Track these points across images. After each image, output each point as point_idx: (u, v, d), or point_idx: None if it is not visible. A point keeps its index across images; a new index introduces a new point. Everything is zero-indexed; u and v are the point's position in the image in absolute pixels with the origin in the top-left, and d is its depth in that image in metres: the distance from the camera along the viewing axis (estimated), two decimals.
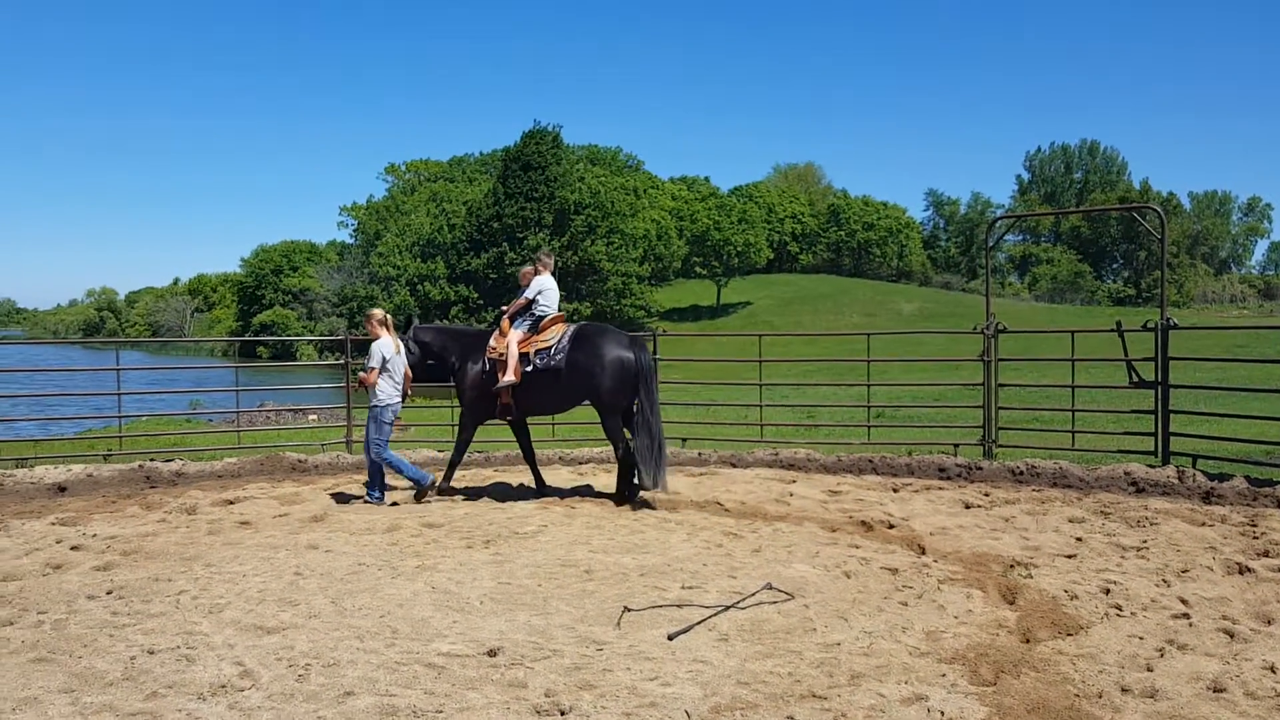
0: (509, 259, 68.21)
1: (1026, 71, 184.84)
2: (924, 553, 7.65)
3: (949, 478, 11.17)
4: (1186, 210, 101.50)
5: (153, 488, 10.92)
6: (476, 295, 68.92)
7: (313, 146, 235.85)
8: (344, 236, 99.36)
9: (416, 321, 10.85)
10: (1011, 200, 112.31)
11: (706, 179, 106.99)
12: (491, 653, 5.12)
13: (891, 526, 8.54)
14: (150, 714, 4.31)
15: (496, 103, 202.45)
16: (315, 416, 21.14)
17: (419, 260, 72.05)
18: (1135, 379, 11.41)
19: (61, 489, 10.72)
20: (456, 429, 10.73)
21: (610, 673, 4.82)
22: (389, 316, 10.07)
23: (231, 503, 9.91)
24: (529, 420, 10.74)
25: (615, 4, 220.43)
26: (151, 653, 5.13)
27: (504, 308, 10.67)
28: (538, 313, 10.31)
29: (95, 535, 8.20)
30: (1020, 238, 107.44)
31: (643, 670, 4.86)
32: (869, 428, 13.82)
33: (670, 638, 5.35)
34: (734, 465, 12.03)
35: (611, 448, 10.33)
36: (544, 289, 10.36)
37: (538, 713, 4.35)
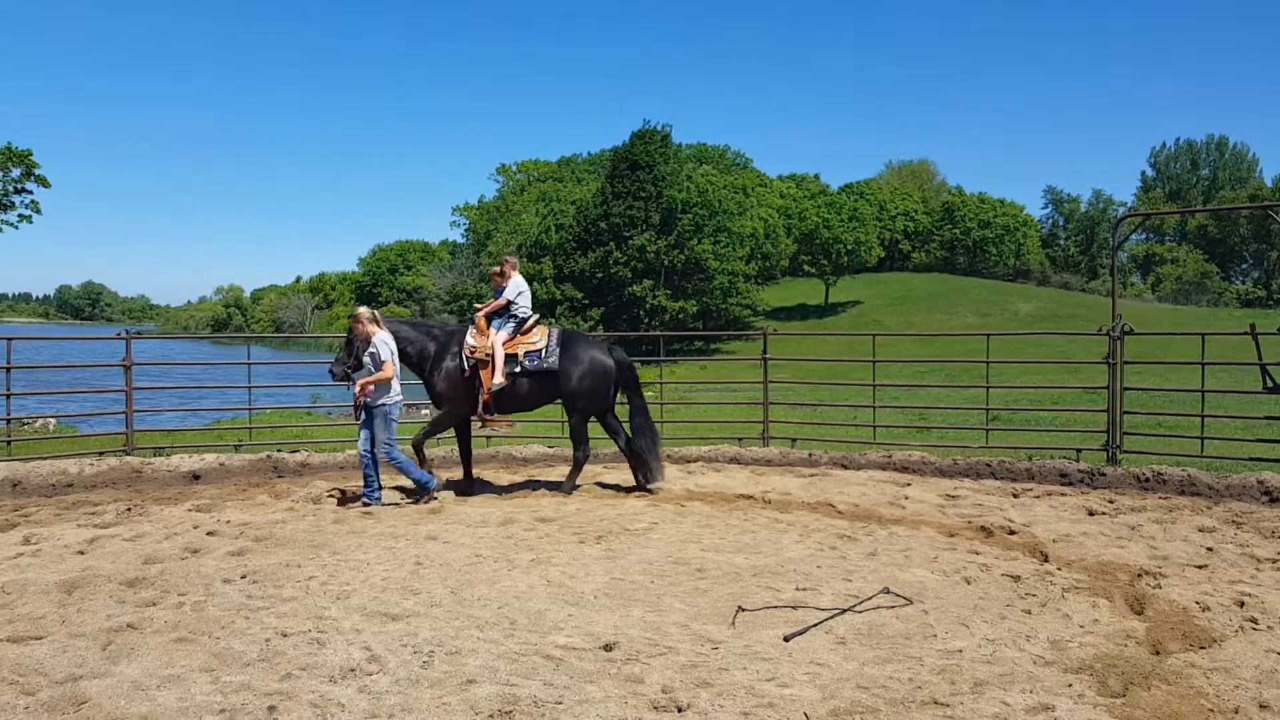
0: (614, 259, 68.66)
1: (1150, 65, 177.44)
2: (1047, 560, 7.45)
3: (1071, 483, 10.84)
4: None
5: (280, 477, 11.36)
6: (581, 295, 69.57)
7: (429, 148, 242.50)
8: (456, 236, 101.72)
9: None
10: (1134, 198, 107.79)
11: (816, 176, 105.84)
12: (607, 647, 5.17)
13: (1012, 533, 8.33)
14: (285, 694, 4.49)
15: (606, 103, 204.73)
16: (427, 411, 21.65)
17: (526, 260, 73.19)
18: (1270, 384, 10.86)
19: (196, 477, 11.25)
20: (435, 428, 10.69)
21: (726, 671, 4.82)
22: (377, 314, 9.94)
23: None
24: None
25: (725, 3, 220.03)
26: (285, 635, 5.35)
27: (477, 307, 10.63)
28: (520, 314, 10.39)
29: (229, 521, 8.57)
30: (1143, 237, 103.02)
31: (759, 670, 4.84)
32: (986, 430, 13.47)
33: (786, 639, 5.32)
34: (845, 467, 11.89)
35: (575, 447, 10.64)
36: (522, 290, 10.48)
37: (655, 708, 4.38)
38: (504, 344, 10.17)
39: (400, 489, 10.35)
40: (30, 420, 16.43)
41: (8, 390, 12.30)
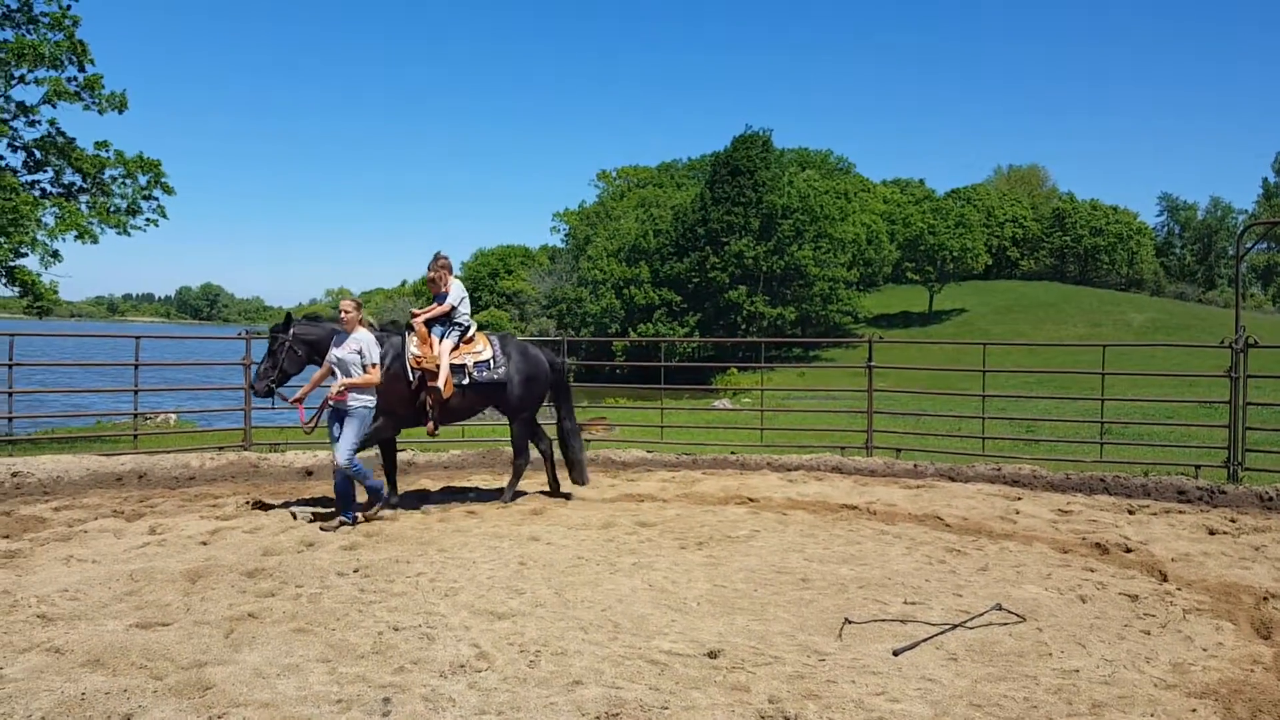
0: (711, 264, 68.56)
1: (1272, 67, 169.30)
2: (1165, 580, 7.16)
3: (1189, 501, 10.42)
4: None
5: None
6: (679, 299, 69.62)
7: (532, 154, 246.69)
8: (556, 241, 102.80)
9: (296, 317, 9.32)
10: (1255, 205, 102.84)
11: (921, 181, 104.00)
12: (712, 654, 5.15)
13: (1129, 550, 8.03)
14: (399, 687, 4.59)
15: (709, 109, 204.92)
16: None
17: (625, 264, 73.57)
18: None
19: (309, 473, 11.60)
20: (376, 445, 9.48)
21: (834, 684, 4.75)
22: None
23: (460, 491, 10.42)
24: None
25: (827, 7, 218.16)
26: (396, 629, 5.47)
27: (414, 312, 9.70)
28: (463, 322, 9.69)
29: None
30: (1264, 246, 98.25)
31: (868, 684, 4.76)
32: (1101, 444, 13.02)
33: (895, 653, 5.21)
34: (952, 479, 11.62)
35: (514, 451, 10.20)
36: (464, 296, 9.77)
37: (762, 718, 4.35)
38: (450, 354, 9.47)
39: (319, 506, 9.20)
40: (153, 415, 17.20)
41: (136, 386, 12.90)
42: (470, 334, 9.76)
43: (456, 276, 9.96)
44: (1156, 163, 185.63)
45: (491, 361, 9.71)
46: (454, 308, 9.66)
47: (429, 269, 9.76)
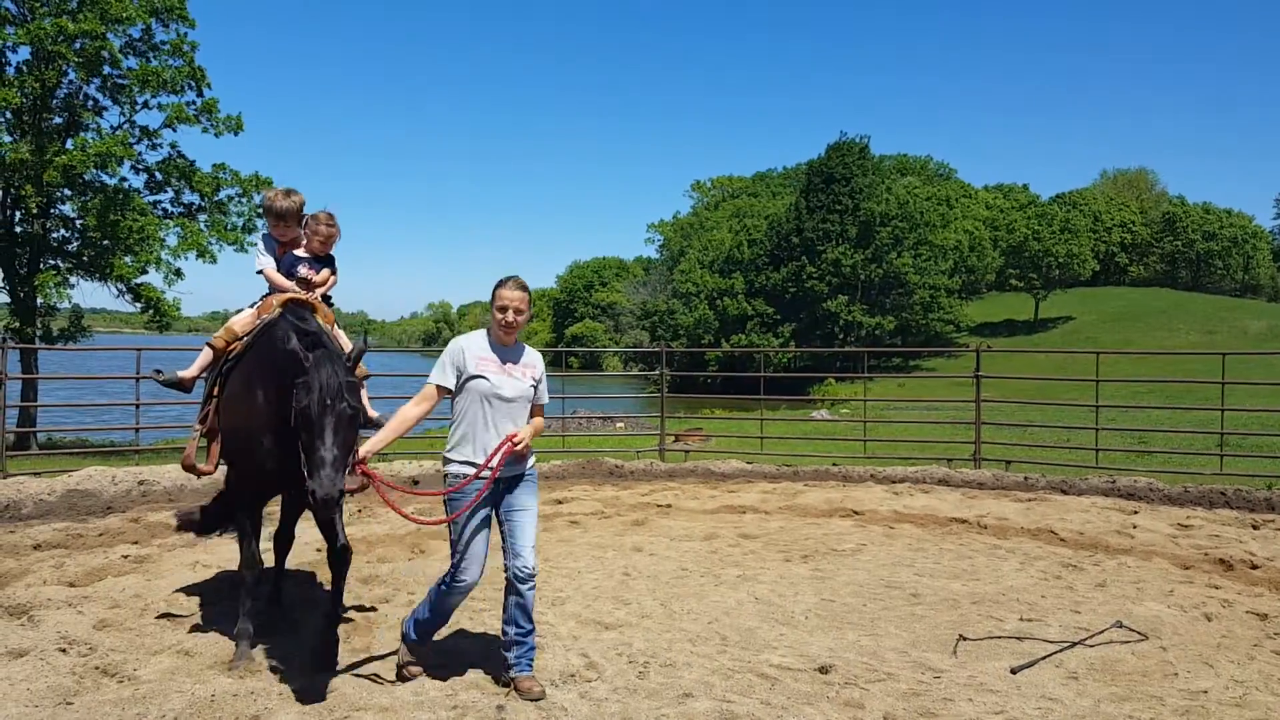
0: (807, 273, 67.88)
1: None
2: None
3: None
4: None
5: None
6: (773, 310, 69.07)
7: (628, 166, 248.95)
8: (651, 252, 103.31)
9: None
10: None
11: (1025, 186, 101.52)
12: (823, 669, 5.08)
13: (1255, 567, 7.67)
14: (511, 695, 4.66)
15: (806, 117, 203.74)
16: (622, 425, 22.10)
17: (718, 276, 73.38)
18: None
19: (415, 482, 11.85)
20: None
21: (951, 702, 4.64)
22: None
23: (560, 502, 10.52)
24: None
25: (925, 9, 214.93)
26: None
27: (313, 279, 6.01)
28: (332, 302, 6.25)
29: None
30: None
31: (986, 703, 4.64)
32: (1221, 456, 12.47)
33: (1013, 671, 5.07)
34: (1065, 492, 11.24)
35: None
36: None
37: None
38: None
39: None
40: None
41: None
42: None
43: None
44: (1272, 164, 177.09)
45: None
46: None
47: (296, 211, 5.93)
